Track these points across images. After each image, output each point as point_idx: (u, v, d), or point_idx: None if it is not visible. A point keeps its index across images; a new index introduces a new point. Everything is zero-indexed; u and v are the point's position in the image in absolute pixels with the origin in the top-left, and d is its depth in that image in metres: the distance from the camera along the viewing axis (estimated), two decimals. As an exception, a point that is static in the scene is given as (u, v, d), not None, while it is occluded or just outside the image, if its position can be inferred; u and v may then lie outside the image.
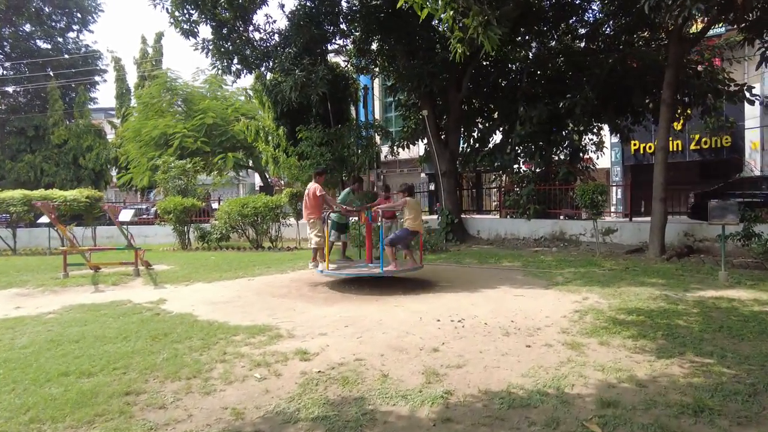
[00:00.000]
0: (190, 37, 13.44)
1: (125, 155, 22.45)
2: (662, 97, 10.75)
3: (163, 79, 21.93)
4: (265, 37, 15.01)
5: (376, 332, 5.17)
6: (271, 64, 14.44)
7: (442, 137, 15.55)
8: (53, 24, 35.04)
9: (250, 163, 22.37)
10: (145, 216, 21.92)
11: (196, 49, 14.26)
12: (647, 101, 13.86)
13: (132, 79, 30.24)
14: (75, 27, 35.61)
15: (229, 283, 8.93)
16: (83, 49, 35.17)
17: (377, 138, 18.31)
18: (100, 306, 6.91)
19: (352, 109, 18.65)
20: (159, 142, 20.43)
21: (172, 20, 12.23)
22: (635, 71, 13.89)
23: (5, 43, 34.15)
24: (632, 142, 22.22)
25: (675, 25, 10.27)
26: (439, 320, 5.60)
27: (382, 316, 5.92)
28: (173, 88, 21.78)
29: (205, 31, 21.64)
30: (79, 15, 35.01)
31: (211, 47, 13.96)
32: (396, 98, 18.25)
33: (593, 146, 15.78)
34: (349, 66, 17.34)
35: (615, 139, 24.52)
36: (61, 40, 35.27)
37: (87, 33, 45.99)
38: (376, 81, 21.35)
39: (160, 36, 27.66)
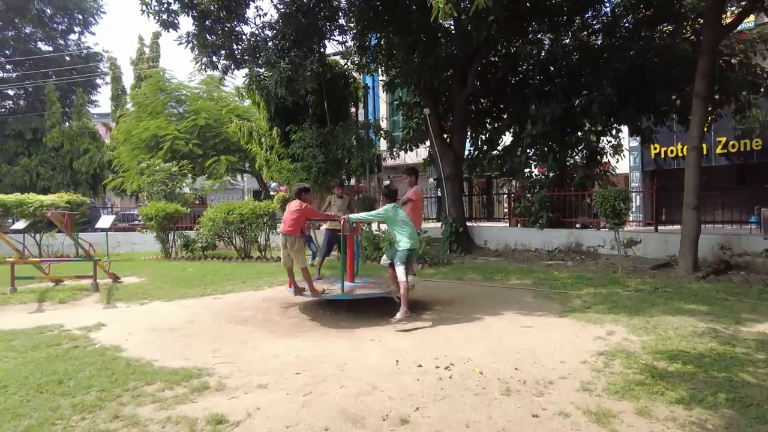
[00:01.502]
0: (170, 30, 12.34)
1: (118, 158, 21.48)
2: (695, 90, 9.33)
3: (157, 78, 20.94)
4: (255, 32, 13.89)
5: (333, 385, 3.88)
6: (260, 59, 13.29)
7: (446, 138, 14.26)
8: (55, 26, 34.51)
9: (246, 166, 21.27)
10: (136, 222, 20.92)
11: (180, 43, 13.15)
12: (674, 98, 12.44)
13: (129, 80, 29.32)
14: (77, 29, 35.09)
15: (192, 302, 7.73)
16: (85, 51, 34.56)
17: (383, 141, 17.09)
18: (18, 334, 5.72)
19: (354, 110, 17.49)
20: (150, 145, 19.41)
21: (144, 8, 11.11)
22: (659, 65, 12.50)
23: (7, 46, 33.67)
24: (652, 145, 20.73)
25: (712, 5, 8.94)
26: (420, 365, 4.30)
27: (350, 356, 4.63)
28: (165, 88, 20.77)
29: (188, 23, 20.55)
30: (80, 17, 34.44)
31: (194, 41, 12.86)
32: (396, 96, 17.00)
33: (611, 149, 14.37)
34: (349, 64, 16.17)
35: (634, 143, 23.03)
36: (62, 42, 34.74)
37: (88, 35, 45.40)
38: (382, 81, 20.16)
39: (157, 35, 26.82)
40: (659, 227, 12.34)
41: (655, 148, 22.07)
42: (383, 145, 20.93)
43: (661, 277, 8.91)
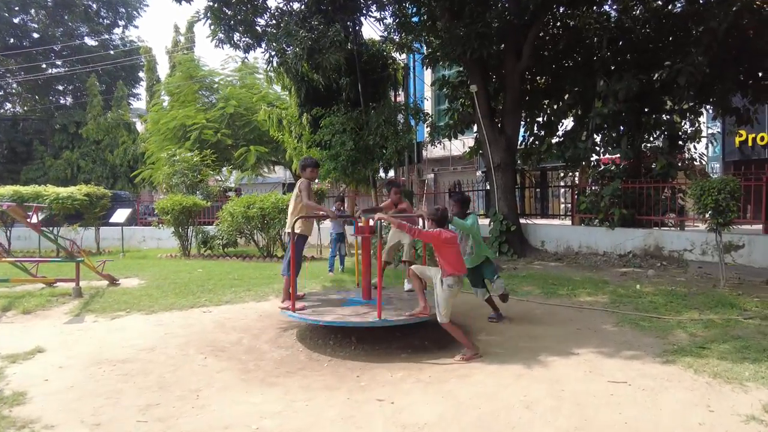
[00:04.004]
0: (182, 2, 11.02)
1: (148, 150, 20.68)
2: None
3: (187, 65, 19.89)
4: (281, 6, 12.37)
5: None
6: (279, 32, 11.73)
7: (497, 122, 12.23)
8: (100, 21, 34.66)
9: (280, 157, 19.91)
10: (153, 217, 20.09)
11: (198, 19, 11.88)
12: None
13: (164, 70, 28.74)
14: (121, 23, 35.17)
15: (174, 316, 6.22)
16: (128, 45, 34.55)
17: (425, 128, 15.19)
18: None
19: (394, 97, 15.71)
20: (178, 135, 18.38)
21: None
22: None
23: (56, 42, 34.06)
24: (737, 132, 17.78)
25: None
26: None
27: (337, 436, 2.89)
28: (196, 74, 19.71)
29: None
30: (124, 11, 34.41)
31: (209, 14, 11.47)
32: (438, 76, 15.03)
33: (689, 135, 11.97)
34: (387, 44, 14.37)
35: (714, 128, 20.12)
36: (107, 36, 34.85)
37: (132, 29, 46.00)
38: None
39: (192, 23, 25.99)
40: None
41: (740, 135, 19.08)
42: (426, 134, 19.07)
43: (786, 295, 6.66)
